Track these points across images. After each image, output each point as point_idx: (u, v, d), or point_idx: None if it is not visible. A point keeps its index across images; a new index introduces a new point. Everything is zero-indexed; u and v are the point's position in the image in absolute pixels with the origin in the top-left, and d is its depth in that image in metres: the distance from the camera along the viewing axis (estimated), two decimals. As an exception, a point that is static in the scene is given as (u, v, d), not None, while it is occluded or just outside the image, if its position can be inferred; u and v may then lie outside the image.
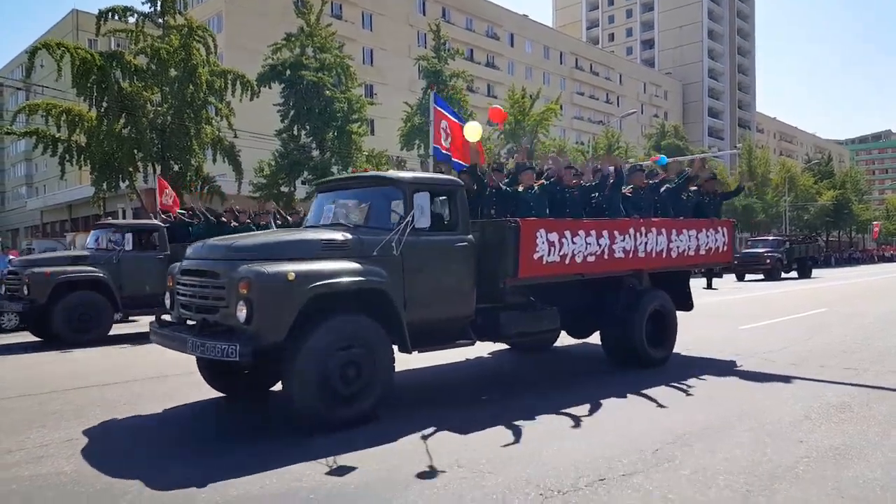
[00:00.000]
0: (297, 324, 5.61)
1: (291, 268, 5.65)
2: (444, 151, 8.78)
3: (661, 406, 6.63)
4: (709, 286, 10.62)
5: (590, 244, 7.91)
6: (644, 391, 7.25)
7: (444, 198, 7.15)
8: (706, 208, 9.97)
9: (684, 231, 9.14)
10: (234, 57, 33.84)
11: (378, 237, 6.41)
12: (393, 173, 7.02)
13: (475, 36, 61.90)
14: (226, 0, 45.21)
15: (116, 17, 23.70)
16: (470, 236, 7.16)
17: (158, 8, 24.10)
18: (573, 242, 7.73)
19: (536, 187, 8.06)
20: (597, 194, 8.63)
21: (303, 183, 29.84)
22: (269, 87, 28.71)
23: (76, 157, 23.39)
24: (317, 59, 28.86)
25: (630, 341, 8.51)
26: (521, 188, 8.16)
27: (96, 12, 23.91)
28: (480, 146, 8.85)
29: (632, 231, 8.40)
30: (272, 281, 5.50)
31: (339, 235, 6.40)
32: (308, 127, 29.48)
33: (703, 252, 9.45)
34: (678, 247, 9.03)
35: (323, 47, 29.09)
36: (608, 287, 8.67)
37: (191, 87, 23.62)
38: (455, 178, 7.43)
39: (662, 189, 9.54)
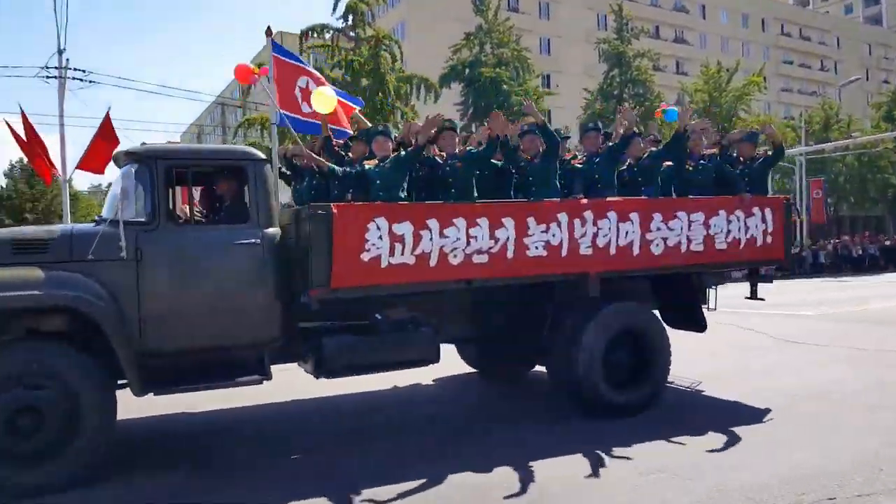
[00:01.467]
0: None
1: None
2: (302, 118, 6.73)
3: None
4: (753, 296, 7.34)
5: (476, 237, 5.45)
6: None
7: (228, 177, 5.20)
8: (733, 181, 6.86)
9: (677, 216, 6.23)
10: (416, 62, 34.11)
11: (94, 234, 4.65)
12: (138, 147, 5.17)
13: (661, 11, 56.79)
14: (408, 8, 46.25)
15: (315, 35, 25.83)
16: (272, 230, 5.16)
17: (350, 22, 25.71)
18: (443, 236, 5.34)
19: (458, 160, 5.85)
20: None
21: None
22: (450, 88, 29.61)
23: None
24: (494, 54, 29.80)
25: (571, 380, 5.89)
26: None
27: (298, 32, 26.22)
28: (336, 118, 6.63)
29: (563, 217, 5.76)
30: None
31: (41, 233, 4.76)
32: (487, 123, 29.30)
33: (721, 245, 6.44)
34: (664, 238, 6.19)
35: (501, 42, 30.04)
36: (537, 299, 6.10)
37: (380, 94, 24.73)
38: (248, 151, 5.39)
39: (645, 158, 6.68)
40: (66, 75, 20.76)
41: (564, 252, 5.82)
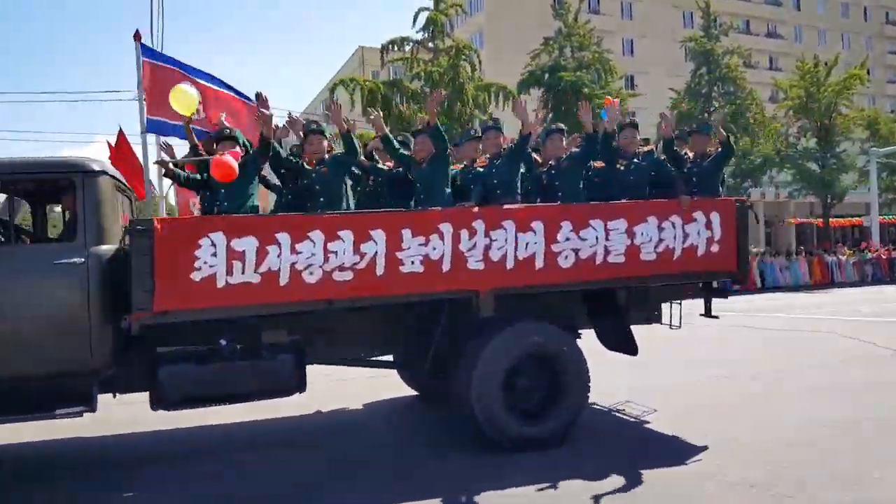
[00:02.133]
0: None
1: None
2: (171, 122, 6.14)
3: None
4: (707, 313, 6.45)
5: (337, 252, 4.81)
6: None
7: (58, 191, 4.73)
8: (670, 181, 6.06)
9: (591, 224, 5.43)
10: (495, 69, 33.94)
11: None
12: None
13: (751, 5, 54.24)
14: (486, 17, 46.16)
15: (395, 48, 26.24)
16: (104, 248, 4.66)
17: (429, 34, 25.88)
18: (295, 251, 4.70)
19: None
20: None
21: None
22: (529, 94, 28.95)
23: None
24: (575, 58, 29.39)
25: (470, 410, 5.20)
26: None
27: (379, 46, 26.77)
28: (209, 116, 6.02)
29: (447, 228, 5.06)
30: None
31: None
32: (567, 128, 29.11)
33: (649, 256, 5.63)
34: (575, 250, 5.41)
35: (581, 45, 29.58)
36: (423, 320, 5.45)
37: (459, 104, 24.82)
38: (75, 162, 4.85)
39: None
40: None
41: (447, 267, 5.11)
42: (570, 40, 29.68)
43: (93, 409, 4.62)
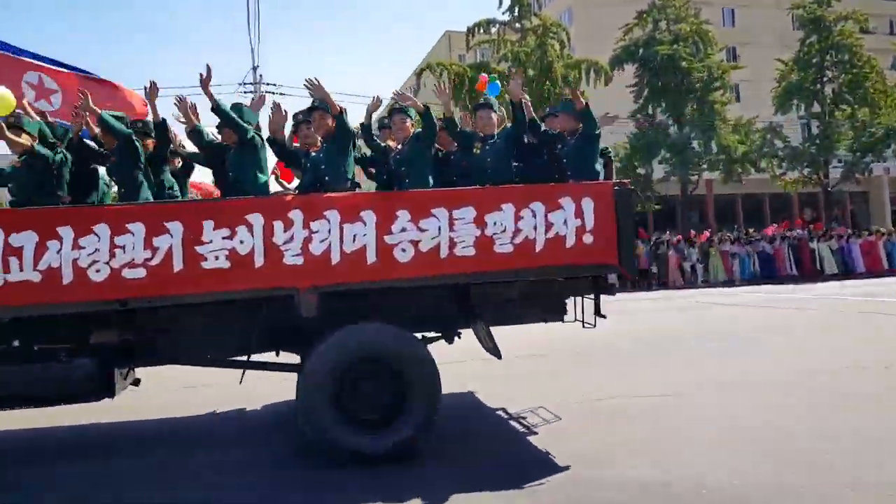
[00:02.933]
0: None
1: None
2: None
3: None
4: (596, 312, 5.71)
5: (124, 247, 4.49)
6: None
7: None
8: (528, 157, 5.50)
9: (433, 213, 4.92)
10: (584, 47, 33.24)
11: None
12: None
13: None
14: None
15: (481, 31, 26.43)
16: None
17: (516, 13, 25.89)
18: (77, 247, 4.40)
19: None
20: None
21: (659, 163, 29.80)
22: (622, 70, 28.90)
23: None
24: (671, 31, 28.93)
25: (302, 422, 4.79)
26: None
27: (465, 30, 27.28)
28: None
29: (257, 219, 4.67)
30: None
31: None
32: (664, 103, 29.51)
33: (505, 248, 5.03)
34: (414, 242, 4.90)
35: (678, 17, 29.09)
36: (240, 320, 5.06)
37: (547, 83, 24.62)
38: None
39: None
40: (261, 90, 23.07)
41: (259, 262, 4.69)
42: (666, 13, 28.99)
43: None
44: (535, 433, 5.66)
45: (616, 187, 5.30)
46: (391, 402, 4.98)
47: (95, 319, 4.82)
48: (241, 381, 5.43)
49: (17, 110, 5.35)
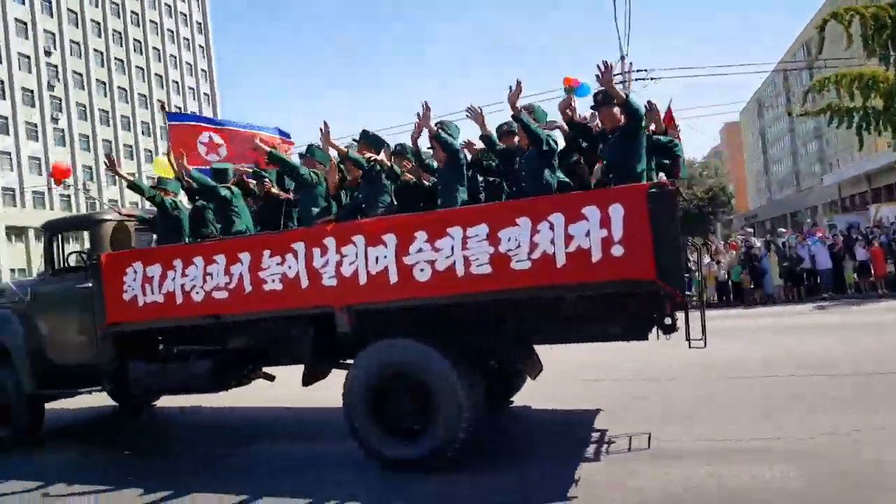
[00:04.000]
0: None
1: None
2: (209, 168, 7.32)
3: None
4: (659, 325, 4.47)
5: (212, 275, 5.81)
6: None
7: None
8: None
9: (448, 232, 5.14)
10: None
11: (22, 285, 7.00)
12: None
13: None
14: None
15: None
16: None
17: None
18: (185, 275, 5.90)
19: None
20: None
21: None
22: None
23: (873, 124, 21.71)
24: None
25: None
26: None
27: None
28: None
29: (300, 247, 5.55)
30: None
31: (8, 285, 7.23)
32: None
33: (522, 265, 4.91)
34: (431, 262, 5.18)
35: None
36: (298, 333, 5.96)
37: None
38: (86, 218, 6.78)
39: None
40: (630, 78, 23.38)
41: (304, 284, 5.50)
42: None
43: (105, 390, 6.60)
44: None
45: (652, 190, 4.68)
46: (421, 412, 5.26)
47: (207, 330, 6.14)
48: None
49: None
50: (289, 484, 5.30)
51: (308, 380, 5.99)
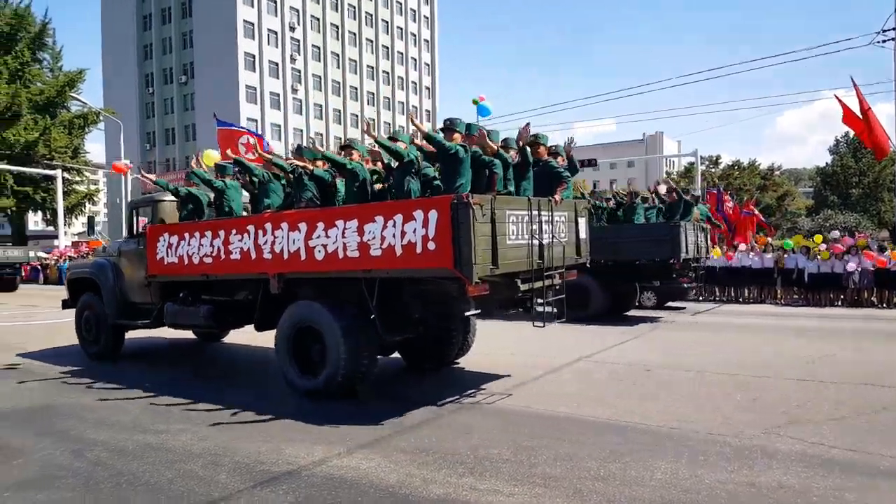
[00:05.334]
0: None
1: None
2: (245, 161, 9.23)
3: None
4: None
5: (203, 245, 8.06)
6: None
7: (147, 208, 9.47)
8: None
9: (335, 224, 6.87)
10: None
11: (116, 243, 10.04)
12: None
13: None
14: None
15: None
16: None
17: None
18: (189, 244, 8.23)
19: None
20: None
21: None
22: None
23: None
24: None
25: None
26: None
27: None
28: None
29: (252, 228, 7.59)
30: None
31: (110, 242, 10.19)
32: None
33: (376, 252, 6.53)
34: (324, 245, 6.97)
35: None
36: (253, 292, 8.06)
37: None
38: (151, 197, 9.33)
39: None
40: None
41: (253, 256, 7.48)
42: None
43: (156, 326, 9.10)
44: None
45: (454, 201, 6.00)
46: (319, 355, 7.07)
47: (204, 285, 8.40)
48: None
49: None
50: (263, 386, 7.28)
51: (260, 327, 7.99)
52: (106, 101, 60.18)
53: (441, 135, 6.81)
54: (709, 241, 15.23)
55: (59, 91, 43.50)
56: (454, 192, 6.36)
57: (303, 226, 7.05)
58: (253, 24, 62.18)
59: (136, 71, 66.33)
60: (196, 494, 4.46)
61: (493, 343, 9.77)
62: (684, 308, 16.13)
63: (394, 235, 6.32)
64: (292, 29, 65.60)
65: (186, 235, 8.26)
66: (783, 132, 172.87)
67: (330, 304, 7.09)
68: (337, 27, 70.35)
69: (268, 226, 7.38)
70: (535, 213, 6.79)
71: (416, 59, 79.70)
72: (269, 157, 8.27)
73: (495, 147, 6.88)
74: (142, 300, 9.27)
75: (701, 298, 17.95)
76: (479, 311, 7.01)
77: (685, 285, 14.83)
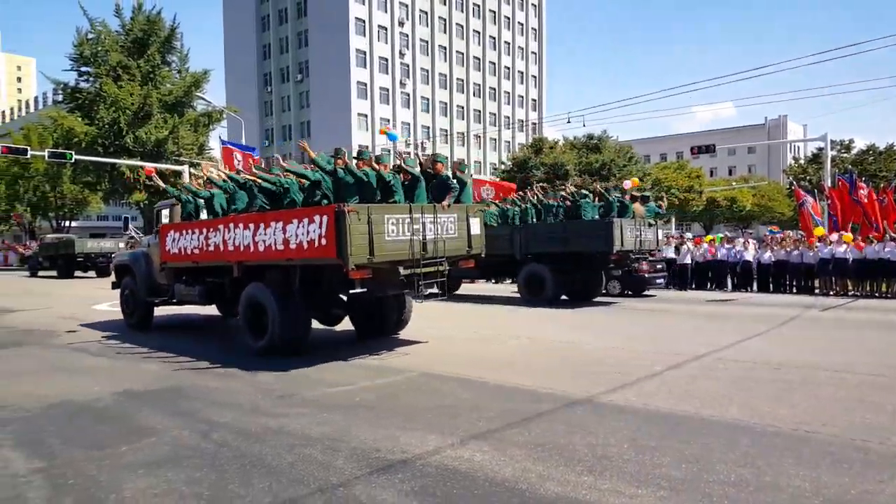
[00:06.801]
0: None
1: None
2: (235, 173, 11.28)
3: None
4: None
5: (193, 240, 10.33)
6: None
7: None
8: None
9: (272, 224, 9.01)
10: None
11: (147, 238, 12.43)
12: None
13: None
14: None
15: None
16: (174, 234, 11.50)
17: None
18: (185, 239, 10.55)
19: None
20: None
21: None
22: None
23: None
24: None
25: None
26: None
27: None
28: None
29: (222, 227, 9.78)
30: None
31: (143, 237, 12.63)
32: None
33: (293, 246, 8.66)
34: (264, 241, 9.14)
35: None
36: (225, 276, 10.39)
37: None
38: (169, 201, 11.72)
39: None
40: None
41: (222, 248, 9.70)
42: None
43: (168, 302, 11.32)
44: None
45: (336, 210, 8.10)
46: (259, 324, 9.28)
47: (198, 270, 10.53)
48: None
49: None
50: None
51: (228, 309, 9.94)
52: (228, 99, 65.53)
53: (332, 160, 9.14)
54: (659, 237, 16.53)
55: (186, 91, 47.55)
56: (343, 202, 8.35)
57: (251, 226, 9.32)
58: (364, 21, 65.46)
59: (256, 70, 71.66)
60: (315, 479, 4.60)
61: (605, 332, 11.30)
62: (654, 295, 17.57)
63: (303, 233, 8.45)
64: (401, 24, 68.41)
65: (183, 232, 10.66)
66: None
67: (270, 285, 9.36)
68: (444, 20, 72.58)
69: (231, 225, 9.67)
70: (416, 216, 8.65)
71: (522, 49, 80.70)
72: (235, 174, 10.62)
73: (380, 167, 8.93)
74: (161, 280, 11.74)
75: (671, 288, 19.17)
76: (364, 289, 8.92)
77: (646, 275, 16.51)
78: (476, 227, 9.63)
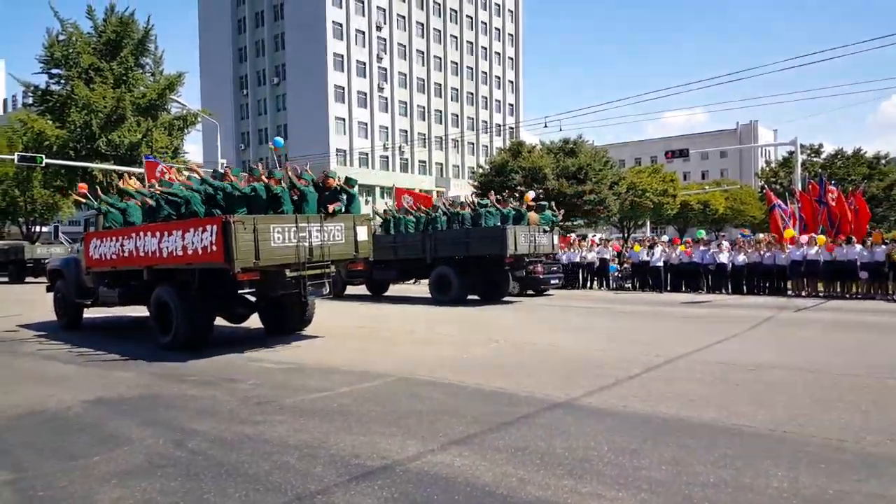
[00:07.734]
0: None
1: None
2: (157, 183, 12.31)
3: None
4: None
5: (111, 247, 11.48)
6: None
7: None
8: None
9: (174, 232, 9.91)
10: None
11: (76, 241, 13.49)
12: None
13: None
14: None
15: None
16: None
17: None
18: (105, 246, 11.68)
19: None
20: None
21: None
22: None
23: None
24: None
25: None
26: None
27: None
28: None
29: (134, 235, 10.89)
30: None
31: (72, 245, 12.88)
32: None
33: (191, 251, 9.58)
34: (167, 247, 10.05)
35: None
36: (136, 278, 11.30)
37: None
38: (94, 213, 12.63)
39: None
40: None
41: (135, 254, 10.83)
42: None
43: (90, 305, 12.13)
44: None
45: (224, 220, 9.12)
46: (166, 322, 10.30)
47: (118, 274, 11.44)
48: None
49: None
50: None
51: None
52: (203, 102, 65.45)
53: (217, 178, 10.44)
54: (555, 242, 18.39)
55: (160, 94, 46.99)
56: (231, 213, 9.46)
57: (158, 234, 10.30)
58: (341, 25, 65.44)
59: (232, 73, 71.38)
60: (293, 487, 4.52)
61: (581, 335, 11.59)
62: (552, 294, 19.75)
63: (198, 241, 9.46)
64: (379, 28, 68.35)
65: (104, 240, 11.72)
66: (889, 119, 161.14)
67: (174, 287, 10.39)
68: (422, 24, 72.75)
69: (141, 233, 10.71)
70: (303, 224, 9.78)
71: (499, 54, 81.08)
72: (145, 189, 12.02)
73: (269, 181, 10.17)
74: (88, 284, 12.72)
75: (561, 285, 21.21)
76: (253, 289, 9.87)
77: (541, 276, 18.90)
78: (363, 234, 10.63)
